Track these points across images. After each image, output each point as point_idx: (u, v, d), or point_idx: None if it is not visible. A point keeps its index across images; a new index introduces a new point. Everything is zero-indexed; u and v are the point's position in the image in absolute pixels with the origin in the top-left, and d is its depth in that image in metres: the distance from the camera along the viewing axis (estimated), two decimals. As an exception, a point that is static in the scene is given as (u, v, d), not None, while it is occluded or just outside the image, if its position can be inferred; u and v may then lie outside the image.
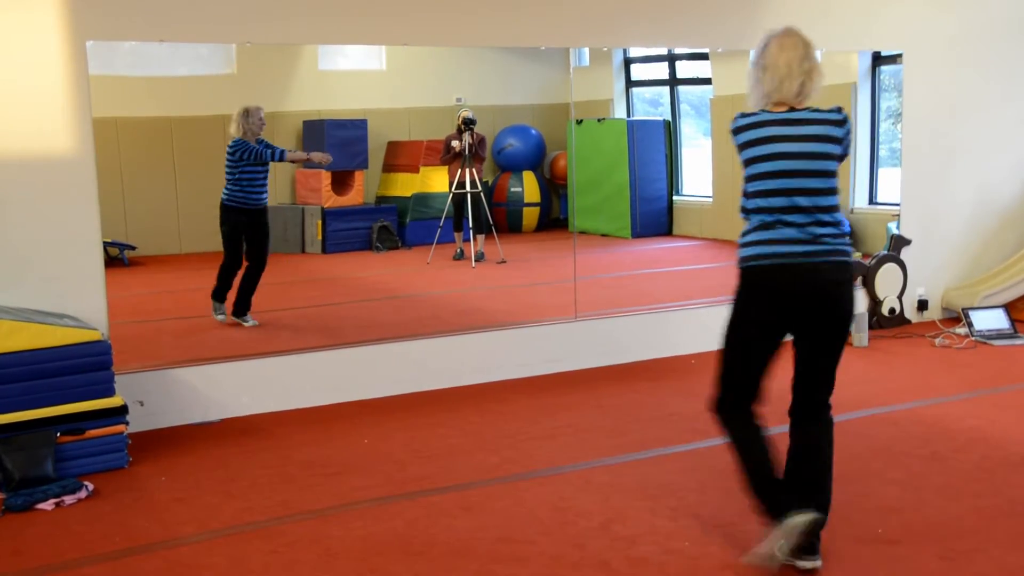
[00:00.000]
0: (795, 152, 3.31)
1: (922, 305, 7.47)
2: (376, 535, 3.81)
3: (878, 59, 7.77)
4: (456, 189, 8.73)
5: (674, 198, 9.81)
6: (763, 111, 3.40)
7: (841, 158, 3.38)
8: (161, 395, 5.25)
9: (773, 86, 3.36)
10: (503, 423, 5.23)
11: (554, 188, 10.25)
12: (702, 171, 9.69)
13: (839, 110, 3.39)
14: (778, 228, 3.31)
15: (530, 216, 10.05)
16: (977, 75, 7.45)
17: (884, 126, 7.96)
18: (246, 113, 6.73)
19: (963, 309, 7.14)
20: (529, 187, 9.98)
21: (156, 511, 4.13)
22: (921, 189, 7.38)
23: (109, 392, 4.64)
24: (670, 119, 9.83)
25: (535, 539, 3.73)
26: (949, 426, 4.95)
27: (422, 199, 9.21)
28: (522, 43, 6.40)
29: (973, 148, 7.51)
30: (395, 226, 9.03)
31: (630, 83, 10.09)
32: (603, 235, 9.97)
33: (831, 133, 3.34)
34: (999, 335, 6.92)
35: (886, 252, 7.33)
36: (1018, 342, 6.79)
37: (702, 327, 6.39)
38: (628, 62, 9.97)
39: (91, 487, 4.33)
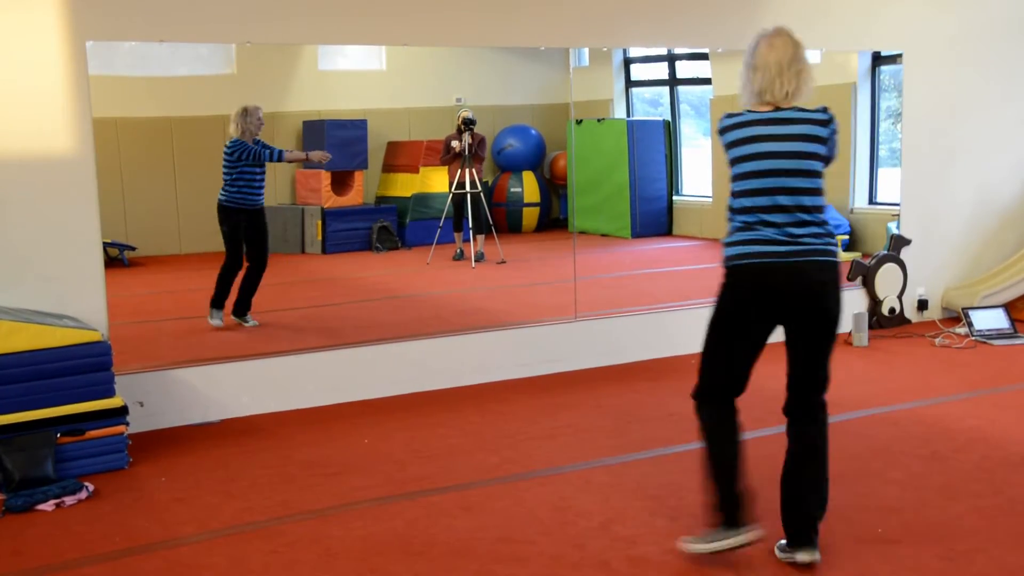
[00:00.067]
0: (779, 151, 3.31)
1: (922, 305, 7.47)
2: (376, 535, 3.81)
3: (878, 59, 7.78)
4: (456, 189, 8.73)
5: (674, 198, 9.82)
6: (748, 111, 3.40)
7: (827, 159, 3.36)
8: (161, 396, 5.25)
9: (762, 86, 3.35)
10: (503, 423, 5.23)
11: (554, 188, 10.25)
12: (702, 171, 9.70)
13: (825, 110, 3.37)
14: (758, 229, 3.32)
15: (530, 216, 10.05)
16: (977, 75, 7.45)
17: (884, 126, 7.96)
18: (244, 113, 6.69)
19: (963, 309, 7.14)
20: (529, 187, 9.98)
21: (156, 511, 4.13)
22: (921, 189, 7.38)
23: (109, 393, 4.64)
24: (670, 119, 9.84)
25: (535, 539, 3.73)
26: (949, 426, 4.95)
27: (422, 199, 9.21)
28: (522, 43, 6.40)
29: (973, 148, 7.51)
30: (395, 226, 9.03)
31: (630, 83, 10.10)
32: (603, 235, 9.98)
33: (816, 133, 3.33)
34: (999, 335, 6.92)
35: (886, 252, 7.33)
36: (1018, 342, 6.79)
37: (702, 327, 6.36)
38: (628, 62, 9.98)
39: (91, 488, 4.33)
